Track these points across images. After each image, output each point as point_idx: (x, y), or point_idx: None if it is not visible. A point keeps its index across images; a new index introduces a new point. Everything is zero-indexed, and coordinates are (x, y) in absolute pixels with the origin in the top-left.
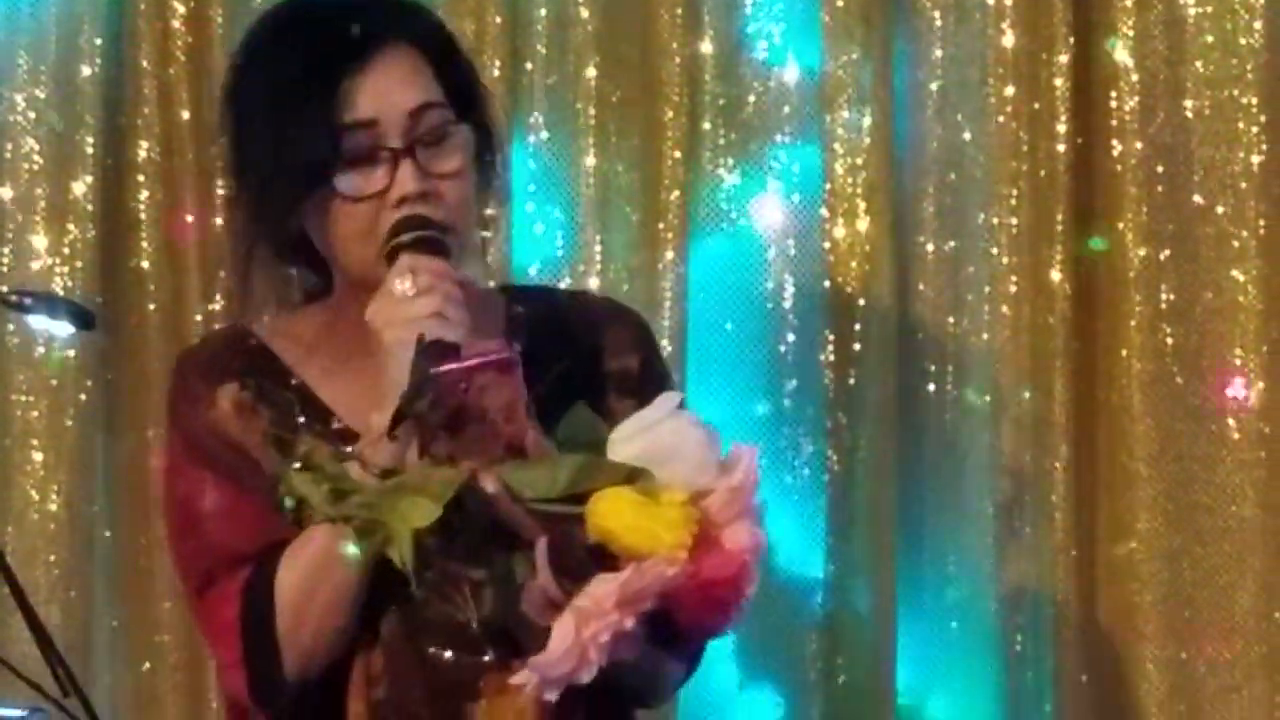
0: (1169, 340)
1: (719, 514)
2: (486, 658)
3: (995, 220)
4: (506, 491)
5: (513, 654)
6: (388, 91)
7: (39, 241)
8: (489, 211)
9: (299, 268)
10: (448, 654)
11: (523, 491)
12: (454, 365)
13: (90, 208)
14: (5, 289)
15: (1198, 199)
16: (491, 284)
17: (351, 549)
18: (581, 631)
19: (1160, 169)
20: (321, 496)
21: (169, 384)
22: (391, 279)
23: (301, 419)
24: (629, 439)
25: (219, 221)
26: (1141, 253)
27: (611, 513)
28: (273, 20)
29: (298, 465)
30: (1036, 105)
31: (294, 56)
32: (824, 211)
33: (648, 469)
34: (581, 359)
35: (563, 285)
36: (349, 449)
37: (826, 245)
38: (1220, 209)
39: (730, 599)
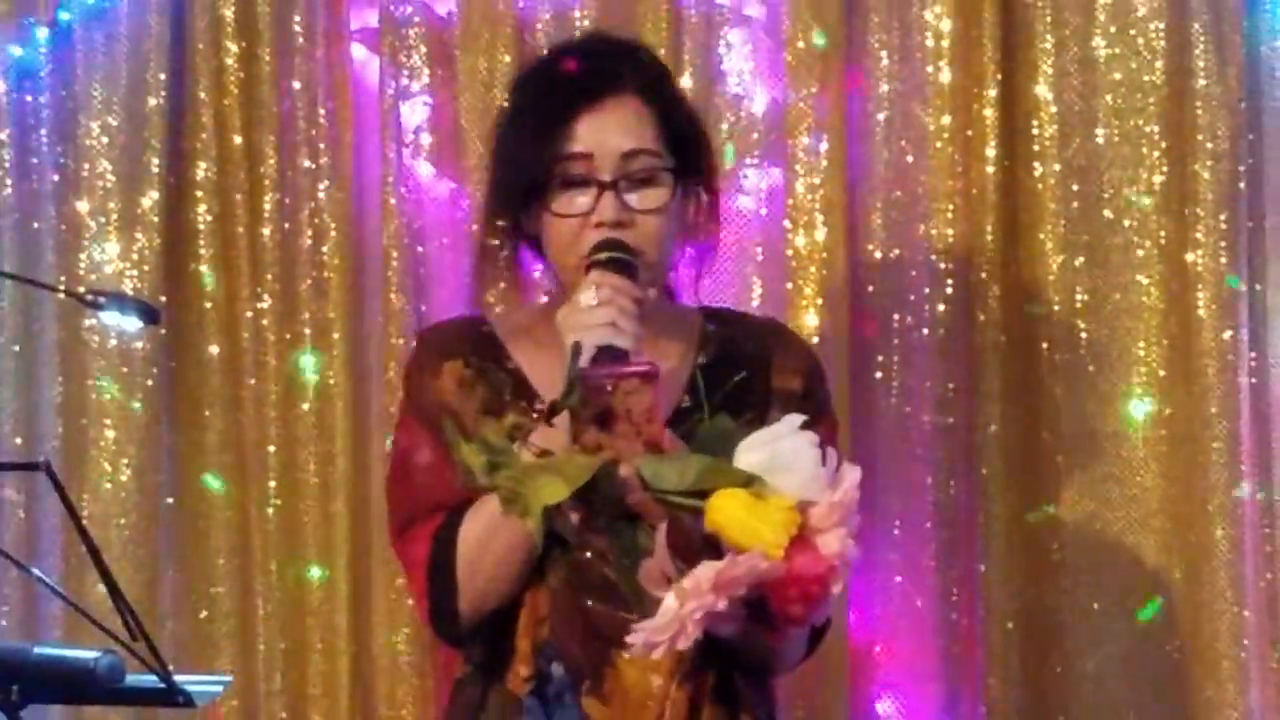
0: (1083, 335)
1: (819, 523)
2: (633, 614)
3: (934, 231)
4: (639, 480)
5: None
6: (607, 132)
7: (111, 249)
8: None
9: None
10: (602, 607)
11: (653, 482)
12: (601, 370)
13: (155, 219)
14: (83, 289)
15: (1107, 214)
16: (692, 305)
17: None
18: (682, 607)
19: (1075, 188)
20: (480, 467)
21: (411, 354)
22: (580, 289)
23: (511, 397)
24: (754, 448)
25: (266, 232)
26: (1059, 259)
27: (725, 510)
28: (537, 61)
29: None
30: (969, 133)
31: (540, 90)
32: (787, 223)
33: (763, 477)
34: (757, 375)
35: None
36: (527, 425)
37: (789, 252)
38: (1127, 222)
39: (816, 594)
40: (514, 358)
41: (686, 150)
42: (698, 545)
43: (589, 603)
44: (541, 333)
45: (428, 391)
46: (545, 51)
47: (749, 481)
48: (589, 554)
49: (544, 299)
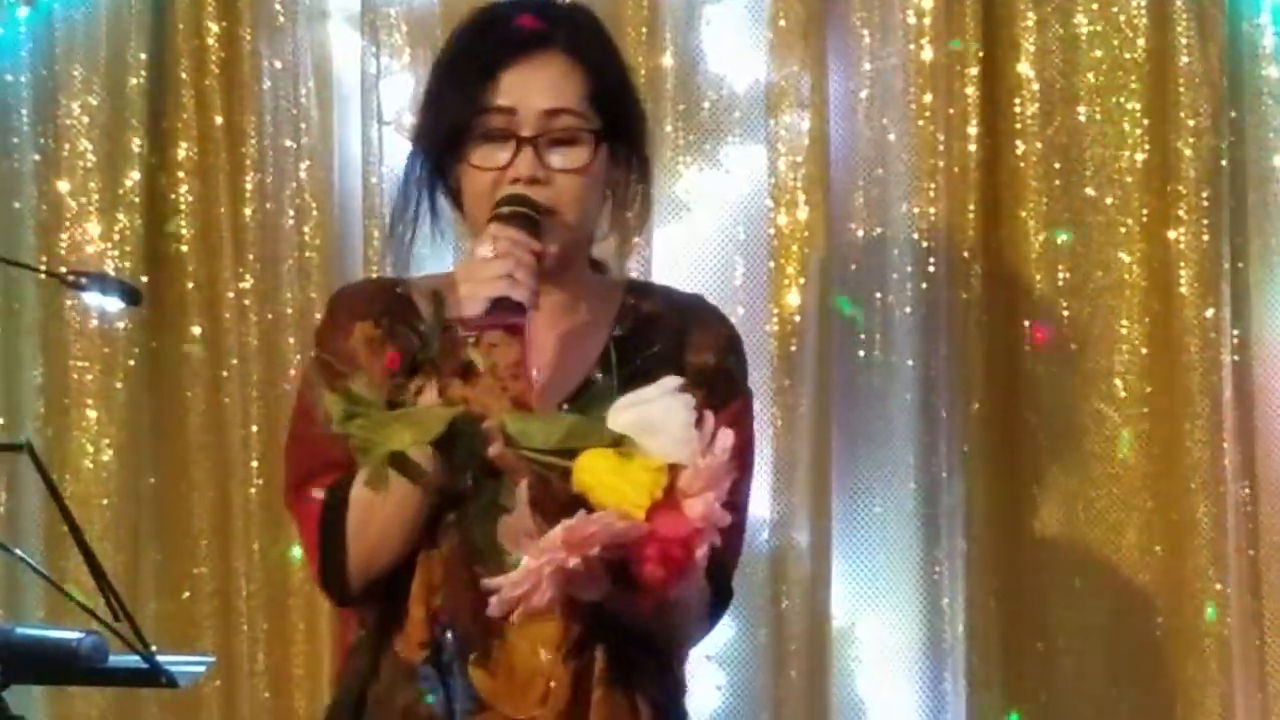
0: (1065, 312)
1: (687, 486)
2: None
3: (916, 209)
4: (503, 437)
5: None
6: (531, 88)
7: (93, 229)
8: (635, 239)
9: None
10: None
11: (520, 440)
12: (463, 321)
13: (137, 200)
14: (64, 270)
15: (1089, 191)
16: (618, 277)
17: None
18: (534, 561)
19: (1057, 165)
20: (338, 415)
21: (324, 313)
22: (478, 242)
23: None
24: (626, 408)
25: (248, 212)
26: (1041, 237)
27: (590, 469)
28: (475, 12)
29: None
30: (951, 111)
31: (471, 42)
32: (769, 202)
33: (633, 437)
34: (671, 348)
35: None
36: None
37: (771, 231)
38: (1109, 200)
39: (678, 557)
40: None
41: (615, 113)
42: (563, 504)
43: (479, 571)
44: (453, 294)
45: (337, 349)
46: (485, 5)
47: (617, 442)
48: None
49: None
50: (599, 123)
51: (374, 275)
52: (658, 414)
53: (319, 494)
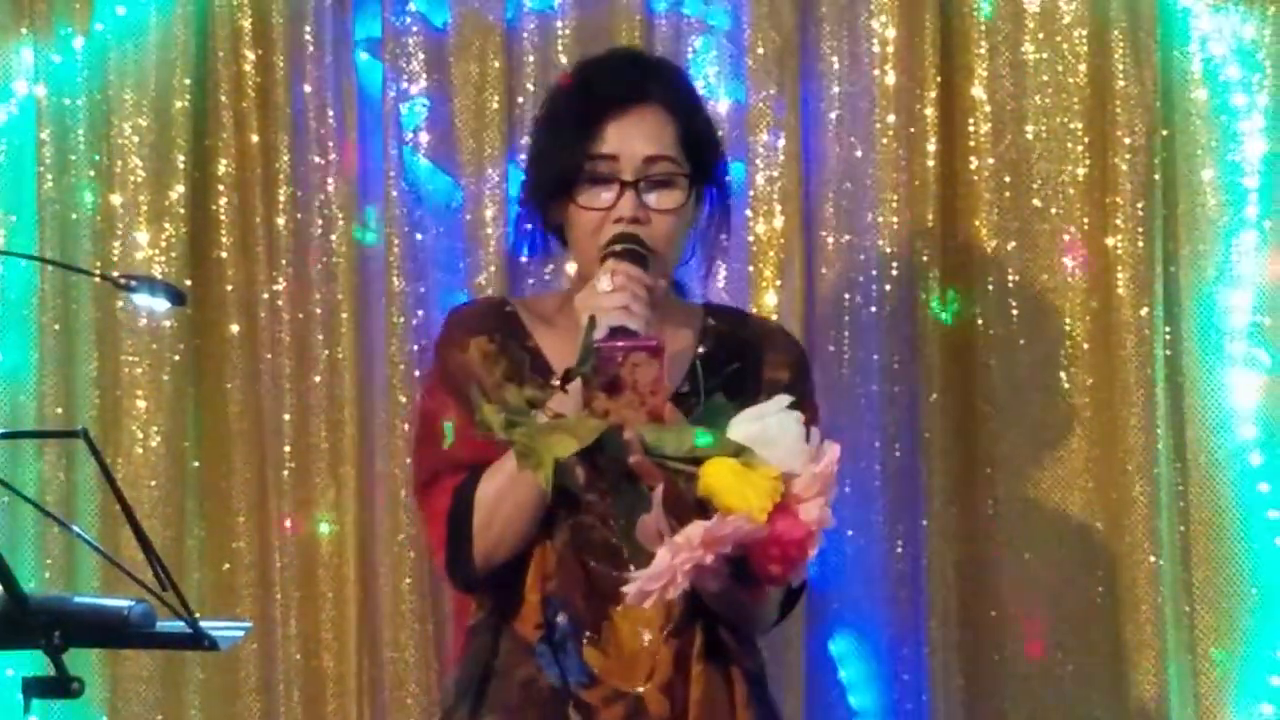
0: (1015, 311)
1: (800, 492)
2: (628, 573)
3: (881, 219)
4: (641, 445)
5: None
6: (632, 137)
7: (141, 237)
8: (722, 267)
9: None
10: (601, 567)
11: (654, 448)
12: (614, 342)
13: (181, 211)
14: (116, 274)
15: (1036, 202)
16: (698, 302)
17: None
18: (674, 558)
19: (1007, 179)
20: (499, 423)
21: (441, 329)
22: (597, 276)
23: (530, 373)
24: (745, 423)
25: (281, 222)
26: (993, 244)
27: (716, 475)
28: (568, 74)
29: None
30: (912, 130)
31: (575, 98)
32: (748, 212)
33: (752, 449)
34: (749, 365)
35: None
36: (543, 396)
37: (750, 239)
38: (1054, 210)
39: (795, 556)
40: (534, 337)
41: (703, 159)
42: (690, 506)
43: (590, 562)
44: (560, 317)
45: (455, 362)
46: (581, 65)
47: (739, 452)
48: (590, 518)
49: (565, 287)
50: (690, 167)
51: (404, 282)
52: (774, 428)
53: (446, 493)
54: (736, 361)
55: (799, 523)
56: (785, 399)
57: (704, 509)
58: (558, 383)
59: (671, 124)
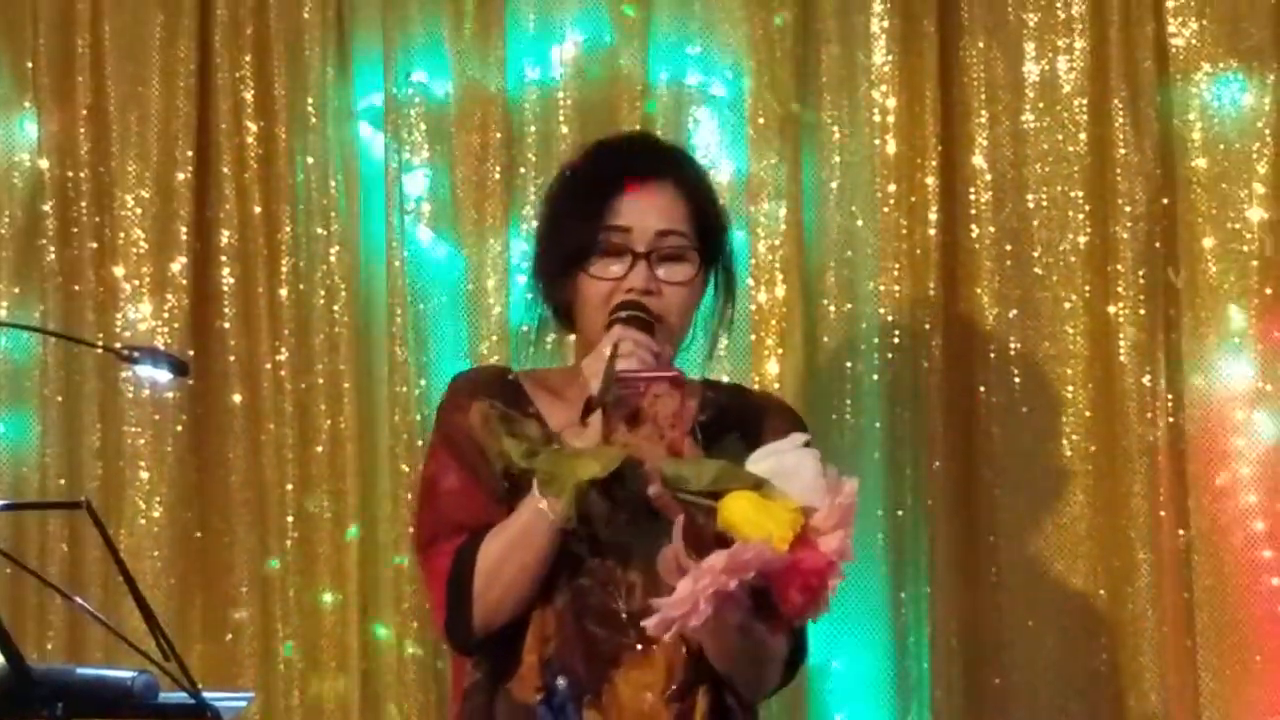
0: (1017, 379)
1: (820, 524)
2: (628, 638)
3: (882, 287)
4: (660, 478)
5: (648, 639)
6: (646, 211)
7: (144, 308)
8: (723, 341)
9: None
10: (601, 631)
11: (673, 481)
12: (636, 371)
13: (184, 282)
14: (119, 345)
15: (1037, 270)
16: (697, 379)
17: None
18: (696, 584)
19: (1008, 247)
20: (519, 454)
21: (444, 394)
22: (604, 341)
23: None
24: (762, 459)
25: (283, 293)
26: (994, 312)
27: (736, 508)
28: (583, 152)
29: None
30: (913, 199)
31: (591, 172)
32: (750, 281)
33: (771, 482)
34: (749, 435)
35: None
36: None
37: (752, 307)
38: (1055, 278)
39: (816, 586)
40: (536, 405)
41: (712, 242)
42: (709, 541)
43: (590, 626)
44: (564, 389)
45: (457, 426)
46: (595, 144)
47: (758, 485)
48: (590, 582)
49: (569, 363)
50: (699, 244)
51: (406, 352)
52: (791, 463)
53: (447, 554)
54: (735, 430)
55: (820, 553)
56: (800, 437)
57: (723, 544)
58: (558, 446)
59: (683, 202)
